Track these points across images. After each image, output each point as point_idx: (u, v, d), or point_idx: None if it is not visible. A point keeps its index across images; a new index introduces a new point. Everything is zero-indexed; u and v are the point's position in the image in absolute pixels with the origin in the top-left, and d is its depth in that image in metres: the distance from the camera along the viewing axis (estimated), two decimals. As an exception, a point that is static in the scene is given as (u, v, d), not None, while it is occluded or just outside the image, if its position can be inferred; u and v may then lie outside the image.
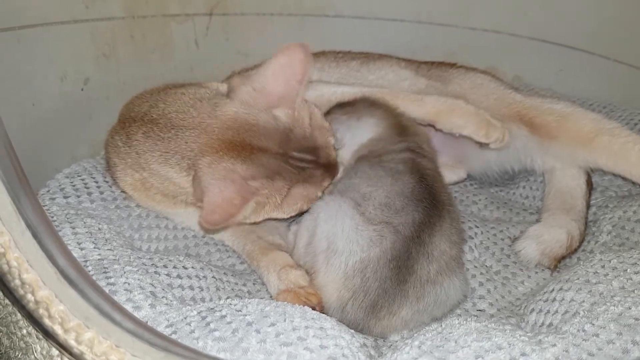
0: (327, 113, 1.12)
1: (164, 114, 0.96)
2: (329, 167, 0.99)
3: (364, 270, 0.86)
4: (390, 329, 0.88)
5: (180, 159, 0.92)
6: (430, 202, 0.92)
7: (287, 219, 1.01)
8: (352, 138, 1.07)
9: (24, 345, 0.68)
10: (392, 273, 0.86)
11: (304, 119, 0.95)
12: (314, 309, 0.86)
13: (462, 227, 1.04)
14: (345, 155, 1.07)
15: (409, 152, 1.02)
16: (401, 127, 1.09)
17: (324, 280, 0.90)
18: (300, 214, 1.00)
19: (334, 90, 1.17)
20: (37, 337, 0.65)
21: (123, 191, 1.07)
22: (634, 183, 1.11)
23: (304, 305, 0.82)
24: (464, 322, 0.78)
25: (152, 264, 0.89)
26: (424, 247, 0.88)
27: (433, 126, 1.13)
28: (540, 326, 0.86)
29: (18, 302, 0.62)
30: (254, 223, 0.99)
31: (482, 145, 1.13)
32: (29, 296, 0.61)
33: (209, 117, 0.92)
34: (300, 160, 0.94)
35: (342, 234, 0.89)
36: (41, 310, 0.61)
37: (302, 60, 0.91)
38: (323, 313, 0.86)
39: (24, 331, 0.67)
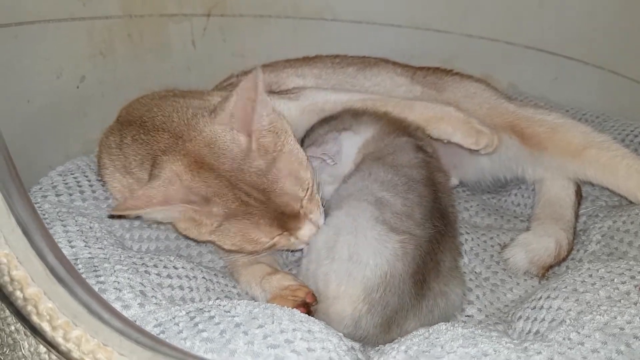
0: (311, 130, 1.10)
1: (153, 117, 0.97)
2: (283, 218, 0.90)
3: (386, 284, 0.84)
4: (393, 339, 0.86)
5: (151, 160, 0.92)
6: (442, 222, 0.92)
7: (230, 251, 0.96)
8: (350, 145, 1.04)
9: (12, 342, 0.68)
10: (413, 288, 0.85)
11: (267, 153, 0.89)
12: (306, 303, 0.87)
13: (460, 239, 1.05)
14: (347, 161, 1.04)
15: (421, 152, 1.01)
16: (398, 122, 1.09)
17: (339, 292, 0.86)
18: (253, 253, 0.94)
19: (327, 99, 1.16)
20: (25, 334, 0.65)
21: (115, 198, 1.06)
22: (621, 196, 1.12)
23: (294, 307, 0.82)
24: (451, 327, 0.79)
25: (143, 264, 0.89)
26: (436, 264, 0.88)
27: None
28: (527, 333, 0.87)
29: (7, 299, 0.62)
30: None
31: (472, 151, 1.14)
32: (18, 293, 0.61)
33: (184, 125, 0.92)
34: (248, 195, 0.88)
35: (366, 243, 0.86)
36: (30, 307, 0.61)
37: (253, 87, 0.86)
38: (315, 301, 0.87)
39: (12, 327, 0.67)
